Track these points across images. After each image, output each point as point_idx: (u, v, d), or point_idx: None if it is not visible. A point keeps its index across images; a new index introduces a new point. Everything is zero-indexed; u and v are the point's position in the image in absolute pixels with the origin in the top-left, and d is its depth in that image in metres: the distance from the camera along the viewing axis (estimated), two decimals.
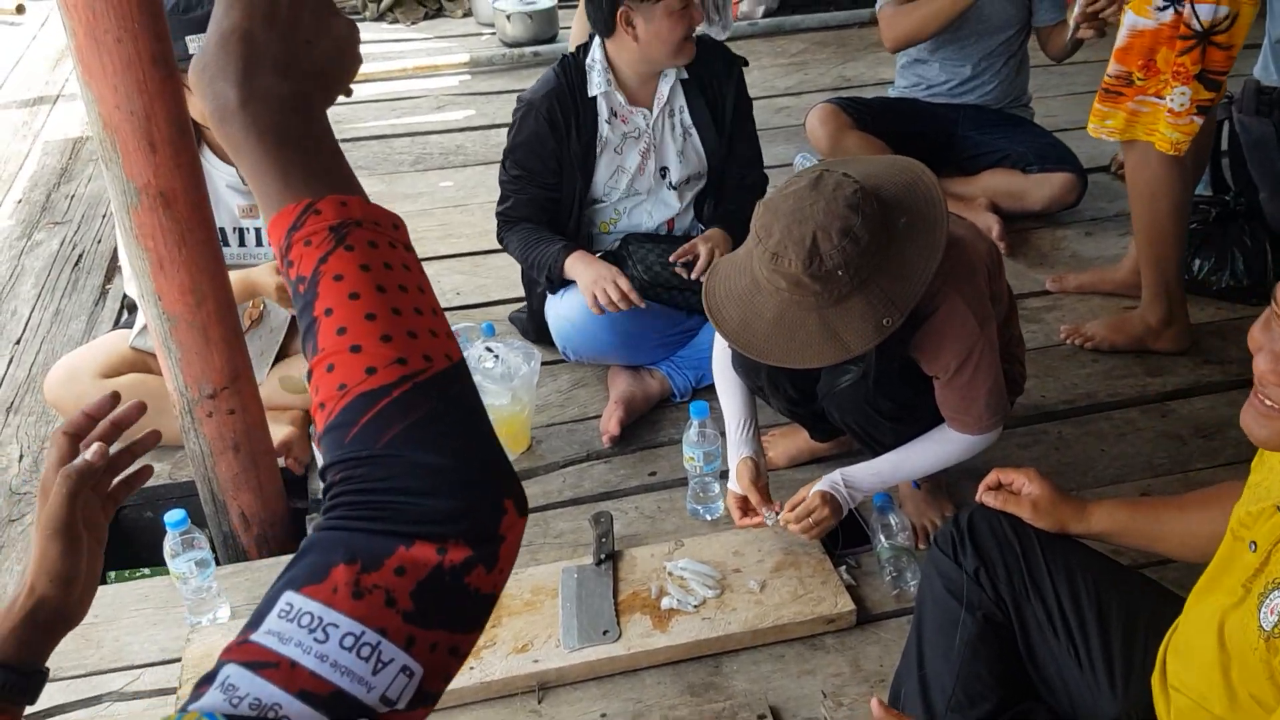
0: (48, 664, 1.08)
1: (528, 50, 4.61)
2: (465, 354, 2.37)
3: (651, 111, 2.49)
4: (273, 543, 2.22)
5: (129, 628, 2.04)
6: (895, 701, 1.71)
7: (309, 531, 0.95)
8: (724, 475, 2.20)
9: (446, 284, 3.13)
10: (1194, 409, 2.50)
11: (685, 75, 2.48)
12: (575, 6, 5.00)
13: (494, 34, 4.84)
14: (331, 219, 0.68)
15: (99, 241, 3.45)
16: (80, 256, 3.37)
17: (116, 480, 1.18)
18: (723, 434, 2.20)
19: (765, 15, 4.84)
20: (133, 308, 2.56)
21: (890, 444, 2.05)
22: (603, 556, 2.09)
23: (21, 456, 2.56)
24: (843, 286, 1.69)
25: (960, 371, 1.89)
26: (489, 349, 2.39)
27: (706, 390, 2.55)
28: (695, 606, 1.99)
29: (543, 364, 2.50)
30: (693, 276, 2.38)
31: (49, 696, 1.81)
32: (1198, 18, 2.25)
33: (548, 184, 2.50)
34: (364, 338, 0.66)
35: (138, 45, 1.76)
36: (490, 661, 1.90)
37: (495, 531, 0.65)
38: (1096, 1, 2.55)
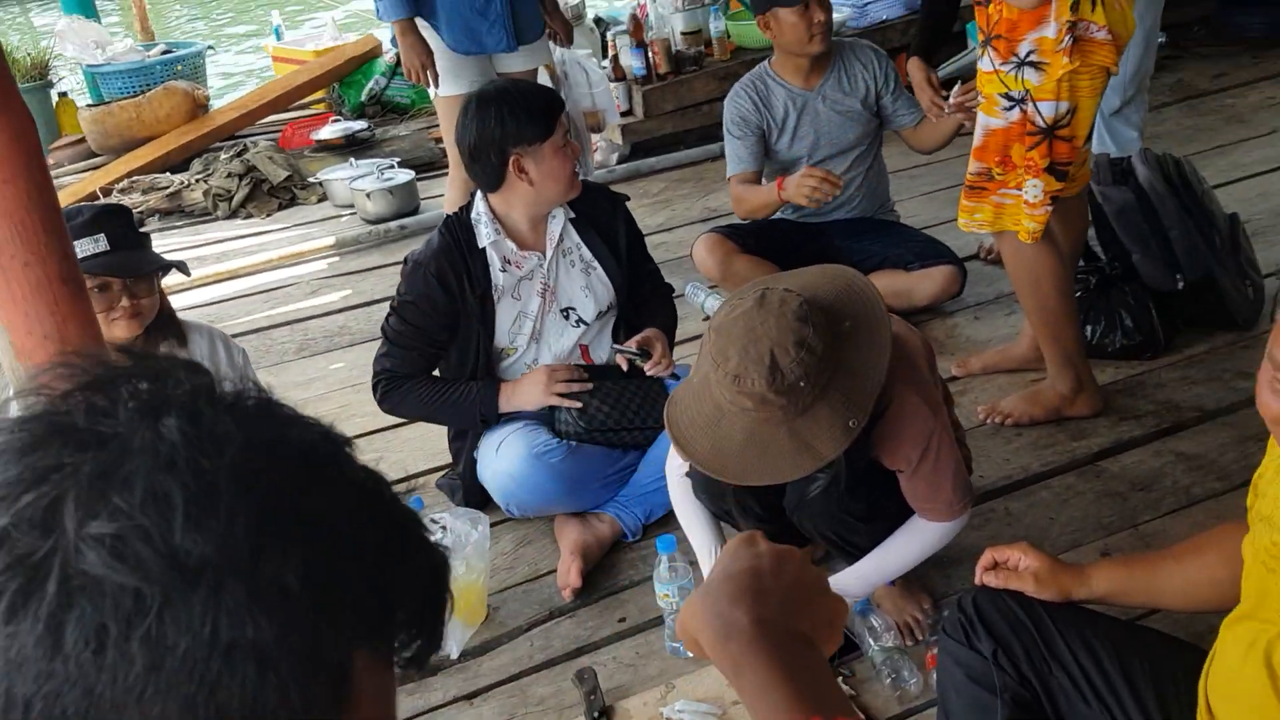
0: None
1: (393, 225, 4.61)
2: None
3: (545, 254, 2.50)
4: None
5: None
6: None
7: None
8: None
9: None
10: (1124, 465, 2.59)
11: (573, 214, 2.51)
12: (434, 178, 5.09)
13: (355, 214, 4.84)
14: None
15: None
16: None
17: None
18: (693, 564, 2.16)
19: (620, 161, 4.98)
20: None
21: (865, 545, 2.05)
22: (596, 715, 2.00)
23: None
24: (806, 397, 1.71)
25: (923, 460, 1.91)
26: (434, 520, 2.30)
27: (658, 524, 2.51)
28: None
29: None
30: (649, 371, 2.41)
31: None
32: (1041, 115, 2.38)
33: (436, 341, 2.47)
34: None
35: (46, 268, 1.67)
36: None
37: None
38: (966, 95, 2.73)
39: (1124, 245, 2.94)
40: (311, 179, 5.20)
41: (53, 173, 2.20)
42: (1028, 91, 2.36)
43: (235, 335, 3.75)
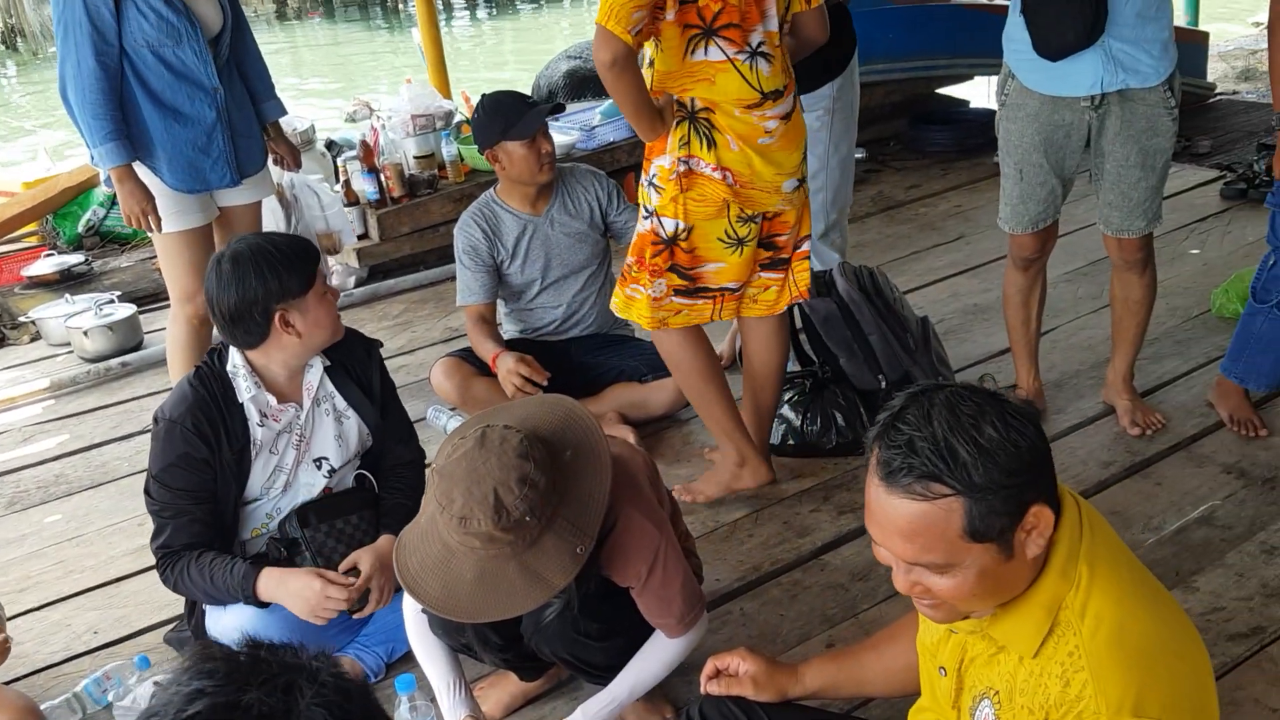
0: None
1: (114, 362, 4.38)
2: (127, 699, 2.17)
3: (302, 405, 2.42)
4: None
5: None
6: None
7: None
8: None
9: (80, 625, 2.82)
10: (844, 557, 2.75)
11: (328, 362, 2.45)
12: (157, 310, 4.88)
13: (72, 352, 4.57)
14: None
15: None
16: None
17: None
18: (433, 701, 2.13)
19: (357, 284, 4.95)
20: None
21: (603, 664, 2.09)
22: None
23: None
24: (533, 530, 1.76)
25: (651, 575, 1.98)
26: (158, 683, 2.17)
27: (401, 661, 2.46)
28: None
29: None
30: (356, 615, 2.34)
31: None
32: (663, 229, 2.65)
33: (205, 498, 2.33)
34: None
35: None
36: None
37: None
38: None
39: (831, 350, 3.17)
40: (23, 318, 4.89)
41: None
42: (653, 208, 2.63)
43: None
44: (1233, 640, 2.30)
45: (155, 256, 5.30)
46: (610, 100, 4.35)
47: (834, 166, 3.56)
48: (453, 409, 3.50)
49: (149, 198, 3.15)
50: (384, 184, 4.91)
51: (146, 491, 2.34)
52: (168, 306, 3.54)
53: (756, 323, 2.88)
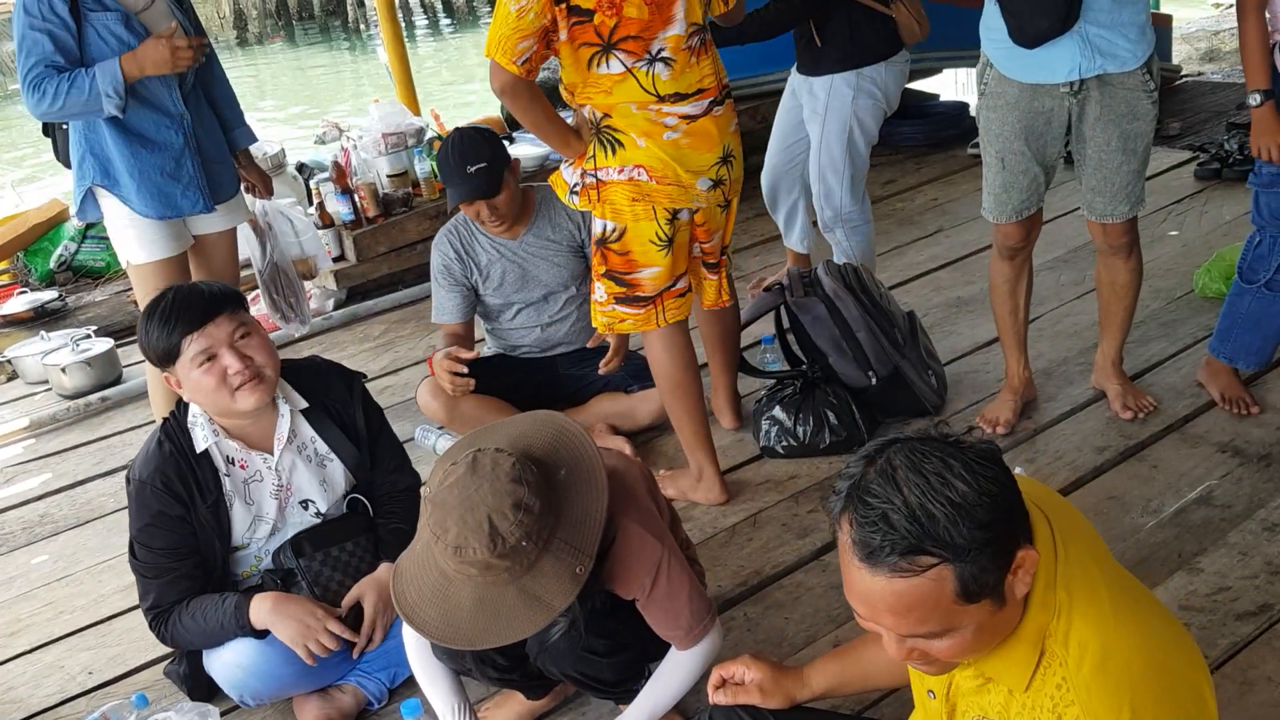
0: None
1: (94, 398, 4.33)
2: None
3: (273, 454, 2.34)
4: None
5: None
6: None
7: None
8: None
9: (74, 666, 2.77)
10: None
11: (305, 404, 2.39)
12: (135, 342, 4.82)
13: (50, 390, 4.50)
14: None
15: None
16: None
17: None
18: None
19: (336, 307, 4.90)
20: None
21: (611, 680, 2.07)
22: None
23: None
24: (530, 554, 1.72)
25: (655, 586, 1.95)
26: None
27: (405, 686, 2.43)
28: None
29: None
30: (354, 654, 2.31)
31: None
32: (595, 229, 2.72)
33: (187, 554, 2.28)
34: None
35: None
36: None
37: None
38: None
39: (820, 350, 3.15)
40: None
41: None
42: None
43: None
44: (1241, 619, 2.30)
45: (130, 289, 5.27)
46: None
47: (824, 163, 3.68)
48: (440, 428, 3.46)
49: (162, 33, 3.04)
50: (358, 204, 4.87)
51: (131, 552, 2.30)
52: None
53: (700, 311, 3.06)
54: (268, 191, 3.70)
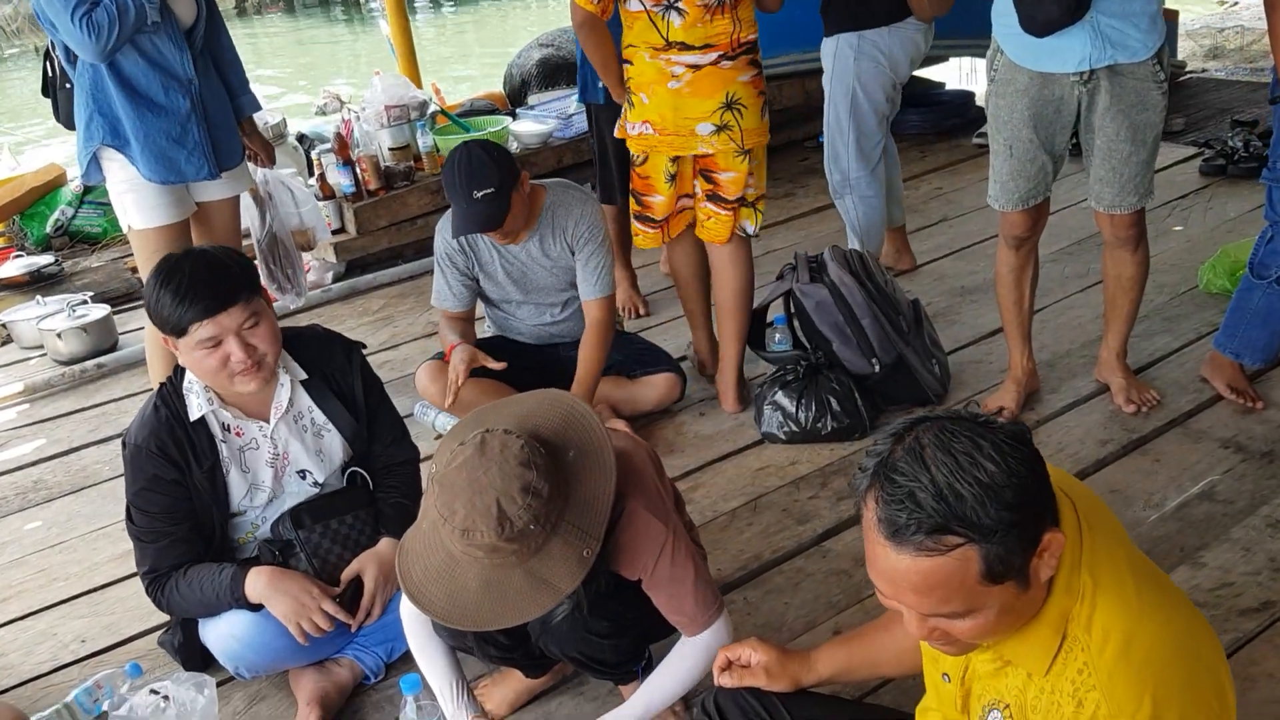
0: None
1: (89, 364, 4.29)
2: (123, 708, 2.11)
3: (269, 422, 2.32)
4: None
5: None
6: None
7: None
8: None
9: (67, 634, 2.75)
10: (846, 543, 2.73)
11: (304, 375, 2.36)
12: (132, 309, 4.79)
13: (45, 355, 4.47)
14: None
15: None
16: None
17: None
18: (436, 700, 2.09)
19: (335, 280, 4.87)
20: None
21: (612, 661, 2.06)
22: None
23: None
24: (538, 538, 1.70)
25: (658, 567, 1.94)
26: (154, 691, 2.12)
27: (402, 660, 2.42)
28: None
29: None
30: (353, 628, 2.29)
31: None
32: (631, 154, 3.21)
33: (183, 518, 2.26)
34: None
35: None
36: None
37: None
38: None
39: (824, 336, 3.14)
40: None
41: None
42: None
43: None
44: (1244, 615, 2.30)
45: (127, 256, 5.23)
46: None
47: (831, 126, 3.82)
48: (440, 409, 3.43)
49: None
50: (360, 177, 4.83)
51: (127, 517, 2.29)
52: (143, 306, 3.46)
53: (715, 249, 3.26)
54: (270, 160, 3.68)
